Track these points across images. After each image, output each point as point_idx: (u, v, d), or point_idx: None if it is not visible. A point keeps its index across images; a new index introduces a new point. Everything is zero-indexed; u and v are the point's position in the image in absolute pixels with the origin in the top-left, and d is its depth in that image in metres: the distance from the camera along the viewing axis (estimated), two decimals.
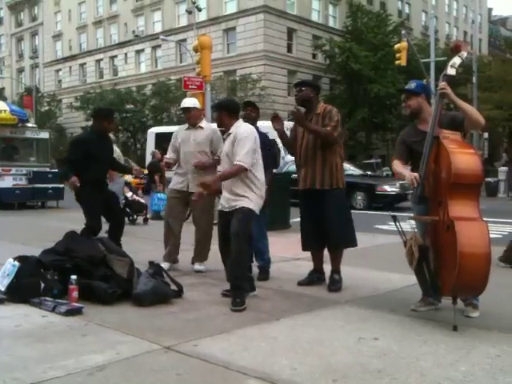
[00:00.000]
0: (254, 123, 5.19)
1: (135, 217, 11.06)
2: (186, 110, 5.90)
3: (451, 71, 4.02)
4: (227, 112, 4.71)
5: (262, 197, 4.63)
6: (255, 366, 3.08)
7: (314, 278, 5.27)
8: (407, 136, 4.35)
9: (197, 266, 5.85)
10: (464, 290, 3.77)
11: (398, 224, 4.14)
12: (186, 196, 5.79)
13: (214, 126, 5.93)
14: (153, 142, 22.47)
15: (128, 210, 10.93)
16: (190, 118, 5.89)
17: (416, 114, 4.27)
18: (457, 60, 4.04)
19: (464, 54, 4.03)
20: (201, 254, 5.91)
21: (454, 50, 4.08)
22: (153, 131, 24.03)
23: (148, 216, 11.32)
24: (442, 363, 3.14)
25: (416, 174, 3.97)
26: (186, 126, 6.00)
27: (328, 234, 4.98)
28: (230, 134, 4.66)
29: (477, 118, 3.97)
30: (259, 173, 4.60)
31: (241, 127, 4.63)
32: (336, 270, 5.07)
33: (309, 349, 3.38)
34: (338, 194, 4.99)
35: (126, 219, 10.84)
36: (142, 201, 11.25)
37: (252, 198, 4.50)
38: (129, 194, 11.22)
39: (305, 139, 5.04)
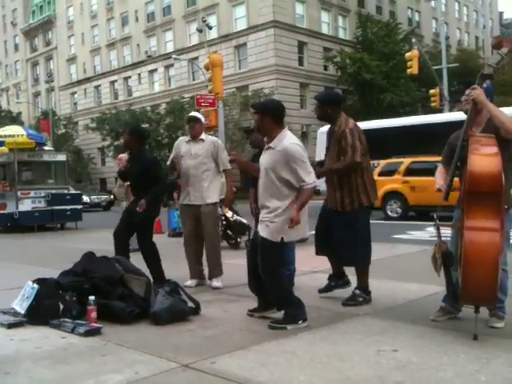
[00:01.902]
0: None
1: (238, 240, 9.62)
2: (194, 120, 5.96)
3: (488, 70, 3.86)
4: (271, 117, 4.17)
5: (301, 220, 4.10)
6: (273, 381, 3.06)
7: (332, 283, 5.20)
8: (454, 139, 4.19)
9: (214, 283, 5.85)
10: (471, 299, 3.71)
11: (436, 228, 4.09)
12: (194, 209, 5.89)
13: (215, 138, 6.22)
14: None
15: (230, 232, 9.63)
16: (194, 130, 5.97)
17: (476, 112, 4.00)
18: (495, 58, 3.85)
19: (505, 50, 3.83)
20: (215, 268, 5.92)
21: (496, 46, 3.92)
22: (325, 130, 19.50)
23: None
24: (462, 374, 3.10)
25: (443, 183, 3.94)
26: (187, 138, 6.06)
27: (338, 251, 4.97)
28: (269, 147, 4.18)
29: (506, 125, 3.76)
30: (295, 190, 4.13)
31: (287, 142, 4.12)
32: (358, 286, 4.99)
33: (327, 363, 3.36)
34: (353, 214, 4.87)
35: (226, 243, 9.39)
36: (244, 221, 9.61)
37: (274, 224, 4.09)
38: (229, 214, 9.68)
39: (328, 159, 4.99)
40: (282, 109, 4.32)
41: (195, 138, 5.96)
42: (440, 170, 4.21)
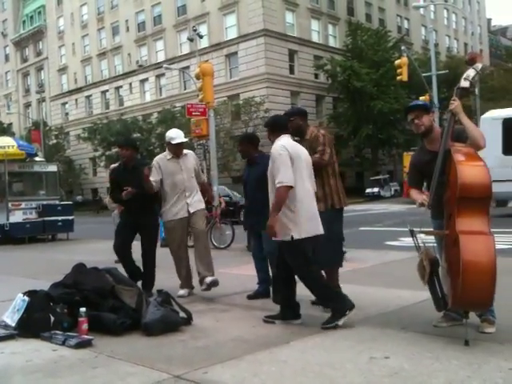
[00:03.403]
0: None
1: None
2: (182, 143, 5.99)
3: (464, 84, 3.95)
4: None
5: (303, 215, 4.35)
6: None
7: None
8: (417, 160, 4.29)
9: (209, 278, 5.73)
10: (469, 304, 3.72)
11: (414, 239, 4.10)
12: (187, 221, 5.94)
13: (191, 151, 6.40)
14: (498, 133, 14.44)
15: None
16: (181, 150, 6.01)
17: (429, 131, 4.15)
18: (471, 72, 3.95)
19: (479, 66, 3.95)
20: (209, 266, 5.85)
21: (469, 62, 4.01)
22: (499, 115, 15.02)
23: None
24: (453, 380, 3.10)
25: (424, 197, 3.98)
26: (167, 156, 6.02)
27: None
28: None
29: (477, 140, 3.86)
30: (298, 192, 4.34)
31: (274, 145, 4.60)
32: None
33: (319, 372, 3.35)
34: (328, 215, 4.93)
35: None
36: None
37: (289, 226, 4.30)
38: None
39: None
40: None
41: (180, 155, 6.02)
42: (413, 191, 4.24)
